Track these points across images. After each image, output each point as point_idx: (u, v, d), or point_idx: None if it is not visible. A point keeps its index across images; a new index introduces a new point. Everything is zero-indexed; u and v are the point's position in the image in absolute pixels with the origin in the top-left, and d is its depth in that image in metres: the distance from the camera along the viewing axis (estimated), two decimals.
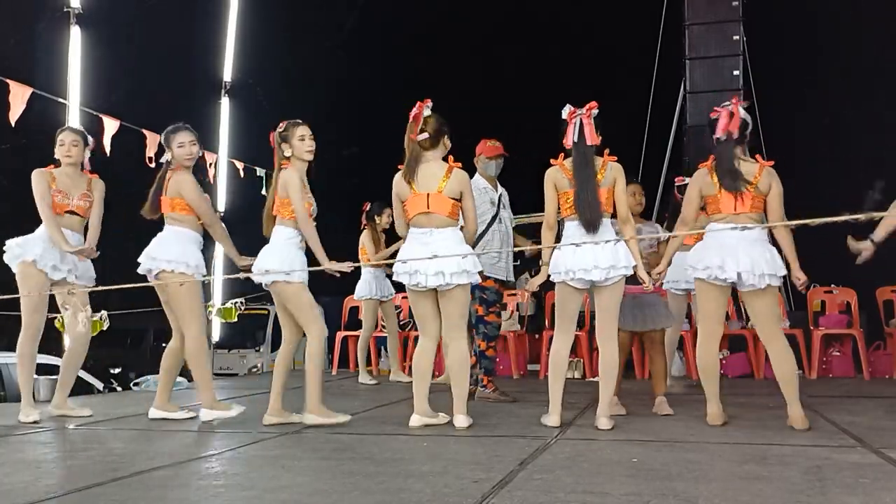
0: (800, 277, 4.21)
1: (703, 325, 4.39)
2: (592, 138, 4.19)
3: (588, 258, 4.14)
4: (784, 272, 4.19)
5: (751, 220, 4.16)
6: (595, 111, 4.22)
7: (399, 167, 4.41)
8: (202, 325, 4.70)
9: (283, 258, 4.40)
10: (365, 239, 7.17)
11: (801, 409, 4.16)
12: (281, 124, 4.53)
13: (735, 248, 4.15)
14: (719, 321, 4.39)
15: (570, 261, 4.19)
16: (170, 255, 4.60)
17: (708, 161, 4.32)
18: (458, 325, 4.36)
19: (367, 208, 7.17)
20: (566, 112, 4.25)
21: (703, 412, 4.35)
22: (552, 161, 4.33)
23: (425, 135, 4.33)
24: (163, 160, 4.79)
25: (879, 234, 4.10)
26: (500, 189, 5.66)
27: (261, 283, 4.50)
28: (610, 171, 4.22)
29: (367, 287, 7.18)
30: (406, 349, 8.01)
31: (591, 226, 4.15)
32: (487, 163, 5.61)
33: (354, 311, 8.56)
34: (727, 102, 4.30)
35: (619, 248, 4.17)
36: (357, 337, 8.43)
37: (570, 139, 4.21)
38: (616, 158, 4.26)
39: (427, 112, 4.36)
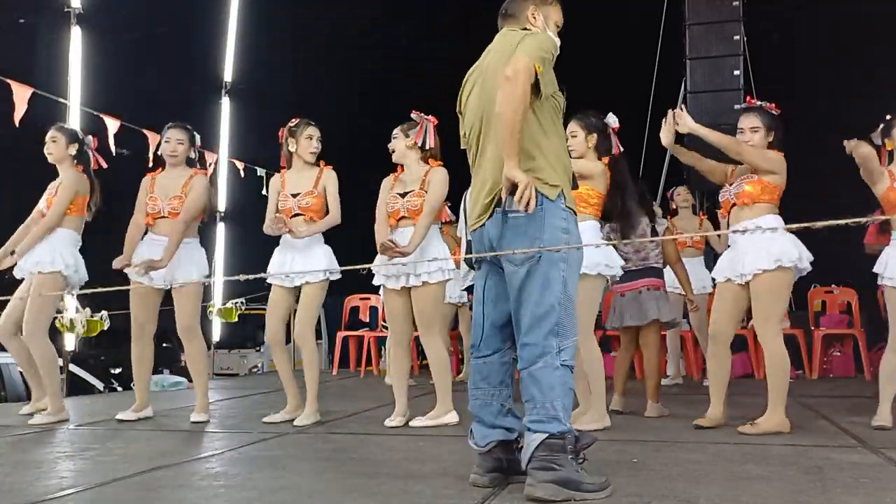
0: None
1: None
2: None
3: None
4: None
5: None
6: None
7: (392, 174, 4.51)
8: None
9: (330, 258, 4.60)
10: None
11: (783, 415, 3.98)
12: (293, 119, 4.57)
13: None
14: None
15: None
16: (200, 263, 4.73)
17: None
18: (427, 323, 4.40)
19: None
20: None
21: (702, 412, 4.31)
22: None
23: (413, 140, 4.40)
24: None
25: None
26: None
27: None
28: None
29: None
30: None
31: None
32: None
33: (355, 311, 8.56)
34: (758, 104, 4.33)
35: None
36: (357, 337, 8.45)
37: None
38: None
39: (429, 128, 4.40)
